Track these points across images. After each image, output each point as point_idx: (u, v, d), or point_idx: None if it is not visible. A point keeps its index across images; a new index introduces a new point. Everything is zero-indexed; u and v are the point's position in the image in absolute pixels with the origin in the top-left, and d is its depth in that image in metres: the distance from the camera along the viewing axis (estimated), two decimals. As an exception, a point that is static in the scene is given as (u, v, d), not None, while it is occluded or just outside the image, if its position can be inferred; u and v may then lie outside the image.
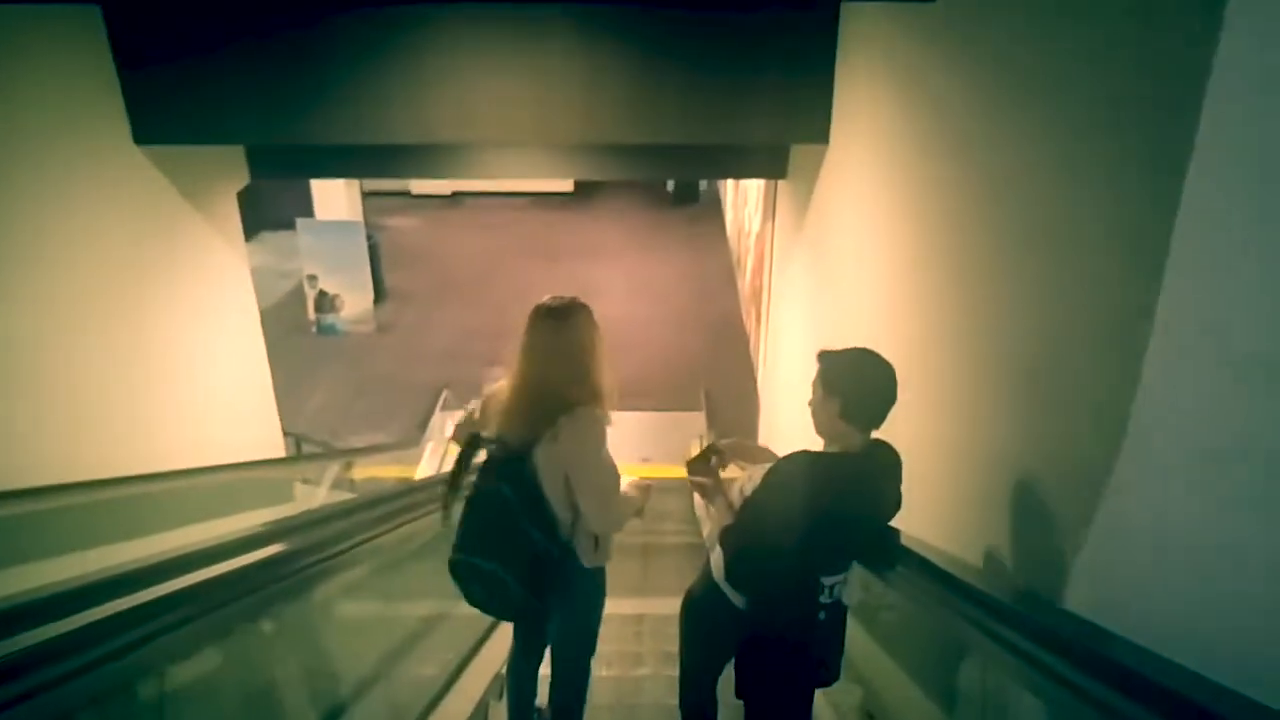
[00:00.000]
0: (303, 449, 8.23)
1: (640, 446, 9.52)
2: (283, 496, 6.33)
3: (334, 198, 13.73)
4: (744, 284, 12.77)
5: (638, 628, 4.65)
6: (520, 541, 2.46)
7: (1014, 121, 2.47)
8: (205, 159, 5.78)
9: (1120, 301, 1.82)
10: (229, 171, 6.26)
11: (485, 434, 2.56)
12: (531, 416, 2.44)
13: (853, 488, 2.29)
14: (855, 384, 2.23)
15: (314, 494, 6.57)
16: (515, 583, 2.48)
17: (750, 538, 2.37)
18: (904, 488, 2.45)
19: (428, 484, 4.23)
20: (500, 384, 2.58)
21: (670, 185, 19.25)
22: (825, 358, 2.30)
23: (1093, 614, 1.80)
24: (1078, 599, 1.98)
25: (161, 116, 4.94)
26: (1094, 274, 1.96)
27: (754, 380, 10.15)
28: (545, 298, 2.50)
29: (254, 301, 6.87)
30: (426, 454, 8.96)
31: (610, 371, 2.53)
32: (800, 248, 6.52)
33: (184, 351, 5.61)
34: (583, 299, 2.52)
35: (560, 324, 2.44)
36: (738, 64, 4.97)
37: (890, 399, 2.23)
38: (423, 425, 9.06)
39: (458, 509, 2.57)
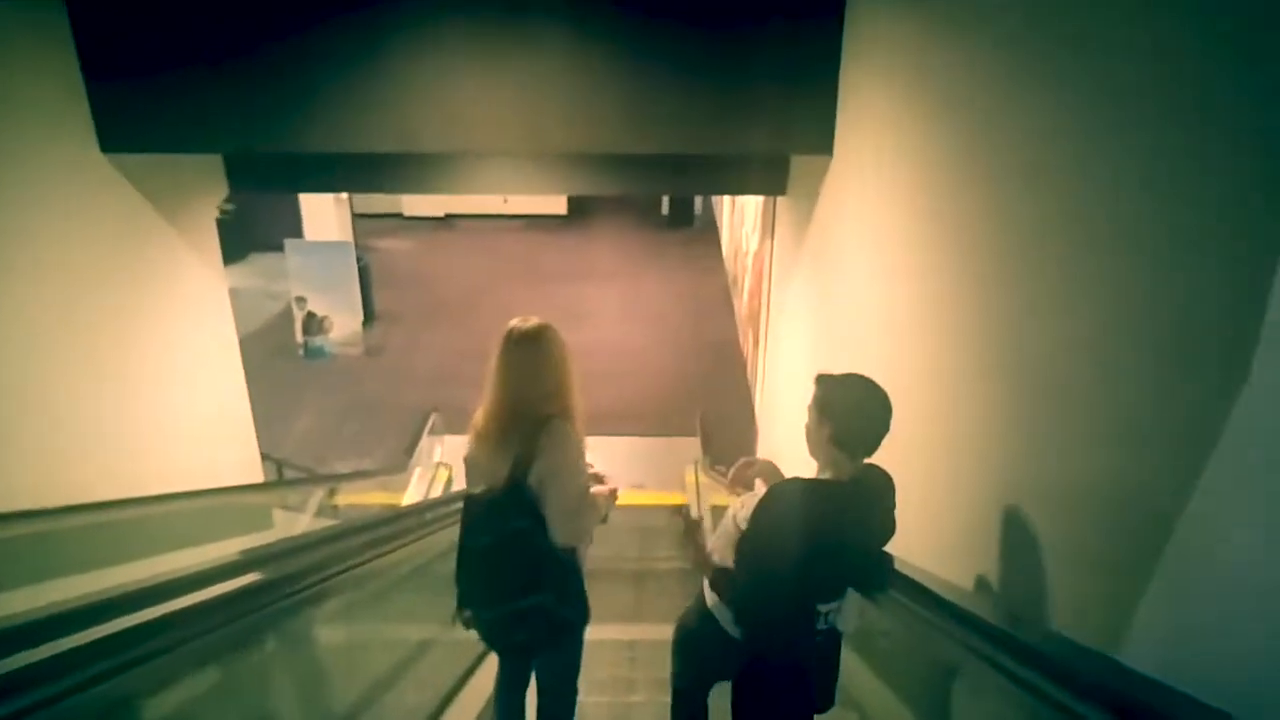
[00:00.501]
0: (285, 475, 8.02)
1: (634, 472, 9.34)
2: (261, 524, 6.11)
3: (324, 219, 13.62)
4: (741, 306, 12.66)
5: (631, 654, 4.64)
6: (547, 561, 2.54)
7: (1031, 111, 2.33)
8: (181, 170, 5.58)
9: (1178, 315, 1.64)
10: (206, 184, 6.06)
11: (473, 489, 2.63)
12: (510, 435, 2.51)
13: (843, 516, 2.30)
14: (848, 411, 2.25)
15: (296, 521, 6.36)
16: (554, 603, 2.57)
17: (748, 574, 2.40)
18: (911, 513, 2.42)
19: (414, 509, 4.20)
20: (477, 413, 2.65)
21: (665, 208, 19.27)
22: (822, 382, 2.33)
23: (1150, 666, 1.59)
24: (1115, 640, 1.79)
25: (130, 123, 4.75)
26: (1151, 280, 1.75)
27: (750, 404, 10.01)
28: (513, 320, 2.60)
29: (231, 320, 6.67)
30: (414, 480, 8.75)
31: (580, 393, 2.63)
32: (801, 265, 6.38)
33: (157, 371, 5.41)
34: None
35: (531, 344, 2.54)
36: (737, 72, 4.83)
37: (883, 428, 2.24)
38: (410, 450, 8.85)
39: None
